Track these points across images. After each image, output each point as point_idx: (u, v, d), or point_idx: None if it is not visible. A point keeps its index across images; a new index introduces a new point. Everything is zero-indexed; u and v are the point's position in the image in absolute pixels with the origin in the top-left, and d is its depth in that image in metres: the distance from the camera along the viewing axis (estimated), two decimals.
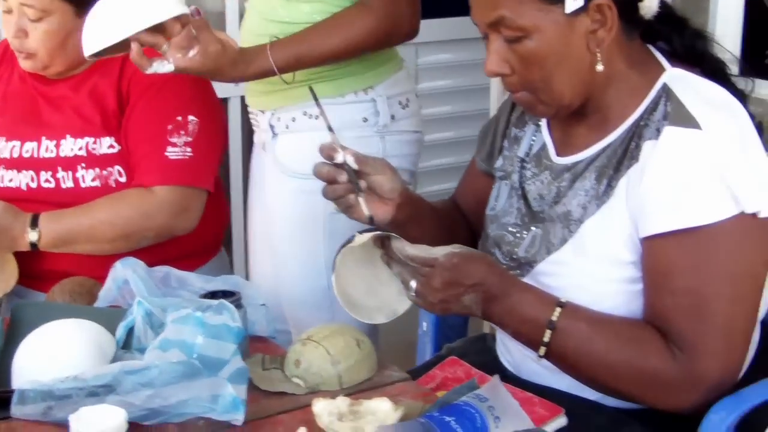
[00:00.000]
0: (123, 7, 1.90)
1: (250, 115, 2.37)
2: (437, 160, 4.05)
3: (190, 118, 2.21)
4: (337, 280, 1.62)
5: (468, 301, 1.59)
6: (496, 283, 1.58)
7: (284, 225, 2.26)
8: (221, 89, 3.43)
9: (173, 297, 1.87)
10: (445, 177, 3.79)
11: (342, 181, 1.70)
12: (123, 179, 2.23)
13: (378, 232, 1.60)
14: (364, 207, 1.69)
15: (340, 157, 1.68)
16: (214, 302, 1.69)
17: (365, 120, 2.18)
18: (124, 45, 1.93)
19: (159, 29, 1.92)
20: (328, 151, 1.70)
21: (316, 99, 1.78)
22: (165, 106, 2.22)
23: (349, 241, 1.60)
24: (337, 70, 2.15)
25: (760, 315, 1.64)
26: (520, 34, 1.57)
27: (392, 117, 2.20)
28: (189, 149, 2.20)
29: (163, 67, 1.95)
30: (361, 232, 1.60)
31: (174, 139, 2.18)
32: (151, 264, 1.98)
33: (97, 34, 1.91)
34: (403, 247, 1.58)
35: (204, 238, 2.39)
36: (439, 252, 1.56)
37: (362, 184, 1.71)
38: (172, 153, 2.19)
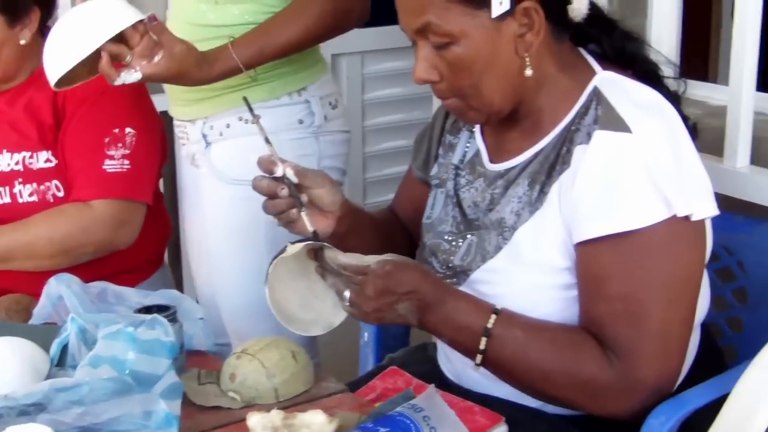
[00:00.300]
0: (78, 27, 1.88)
1: (177, 128, 2.34)
2: (385, 169, 4.04)
3: (128, 130, 2.19)
4: (271, 293, 1.60)
5: (402, 310, 1.57)
6: (430, 291, 1.57)
7: (224, 234, 2.23)
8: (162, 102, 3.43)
9: (109, 313, 1.84)
10: (392, 186, 3.73)
11: (283, 196, 1.67)
12: (61, 194, 2.20)
13: (310, 242, 1.57)
14: (308, 222, 1.66)
15: (279, 171, 1.66)
16: (147, 317, 1.68)
17: (300, 122, 2.17)
18: (90, 69, 1.91)
19: (120, 40, 1.90)
20: (266, 165, 1.67)
21: (251, 110, 1.75)
22: (101, 118, 2.19)
23: (282, 251, 1.57)
24: (270, 73, 2.13)
25: (698, 318, 1.64)
26: (447, 40, 1.55)
27: (325, 117, 2.21)
28: (127, 162, 2.17)
29: (130, 76, 1.92)
30: (293, 243, 1.58)
31: (111, 152, 2.16)
32: (92, 279, 1.95)
33: (58, 60, 1.88)
34: (335, 256, 1.56)
35: (145, 253, 2.37)
36: (372, 260, 1.54)
37: (303, 198, 1.68)
38: (110, 166, 2.17)
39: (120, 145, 2.17)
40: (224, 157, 2.19)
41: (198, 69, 1.99)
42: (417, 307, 1.57)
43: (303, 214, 1.66)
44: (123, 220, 2.19)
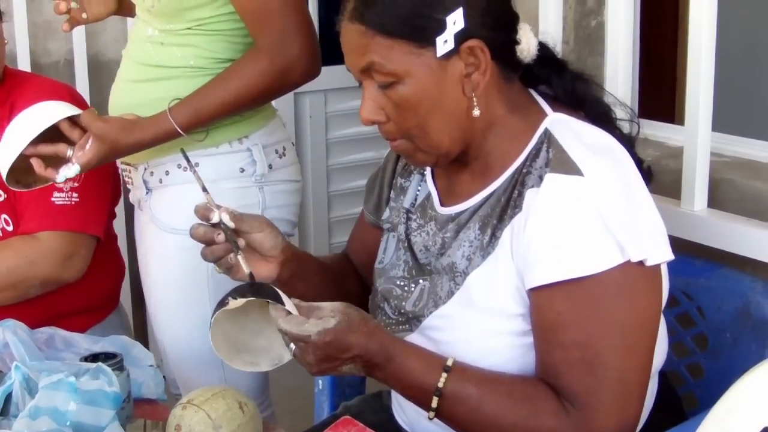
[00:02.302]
0: (14, 129, 1.94)
1: (122, 172, 2.29)
2: (351, 208, 4.03)
3: None
4: (214, 338, 1.56)
5: (348, 370, 1.53)
6: (377, 351, 1.52)
7: (166, 284, 2.17)
8: None
9: (56, 360, 1.81)
10: None
11: (220, 241, 1.63)
12: (10, 228, 2.20)
13: (252, 298, 1.53)
14: (244, 265, 1.63)
15: (216, 217, 1.63)
16: (92, 366, 1.65)
17: (242, 170, 2.11)
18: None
19: (60, 138, 1.94)
20: (203, 212, 1.64)
21: (188, 160, 1.74)
22: None
23: (224, 303, 1.53)
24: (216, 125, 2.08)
25: (656, 365, 1.61)
26: (391, 80, 1.52)
27: (270, 166, 2.14)
28: (75, 195, 2.18)
29: (70, 171, 1.95)
30: (236, 291, 1.54)
31: (60, 185, 2.14)
32: (44, 320, 1.96)
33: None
34: (276, 318, 1.51)
35: (98, 293, 2.36)
36: (312, 329, 1.48)
37: (241, 242, 1.65)
38: (58, 198, 2.18)
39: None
40: (164, 205, 2.14)
41: (125, 135, 1.97)
42: (363, 367, 1.53)
43: (239, 258, 1.63)
44: (70, 252, 2.18)
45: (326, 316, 1.50)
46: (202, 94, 2.01)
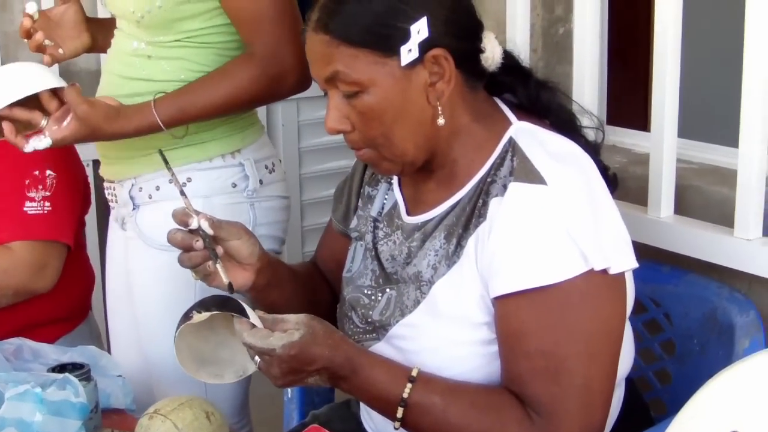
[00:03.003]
0: None
1: (106, 190, 2.23)
2: (324, 217, 4.01)
3: (48, 172, 2.20)
4: (179, 351, 1.55)
5: (313, 381, 1.52)
6: (342, 363, 1.51)
7: (156, 300, 2.12)
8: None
9: (24, 371, 1.81)
10: None
11: (198, 248, 1.62)
12: None
13: (216, 312, 1.52)
14: (223, 275, 1.61)
15: (194, 223, 1.61)
16: (59, 376, 1.64)
17: (234, 185, 2.10)
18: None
19: (36, 106, 1.92)
20: (181, 217, 1.62)
21: (166, 162, 1.72)
22: (22, 161, 2.18)
23: (188, 316, 1.52)
24: (204, 134, 2.07)
25: (622, 372, 1.61)
26: (356, 89, 1.52)
27: (260, 182, 2.13)
28: (48, 204, 2.18)
29: (40, 142, 1.92)
30: (201, 304, 1.53)
31: (32, 194, 2.16)
32: (12, 330, 1.96)
33: None
34: (241, 332, 1.50)
35: (67, 303, 2.36)
36: (277, 342, 1.47)
37: (219, 250, 1.64)
38: (30, 208, 2.17)
39: (40, 187, 2.18)
40: (152, 221, 2.09)
41: (109, 123, 1.93)
42: (328, 378, 1.53)
43: (218, 266, 1.62)
44: (43, 262, 2.18)
45: (291, 329, 1.49)
46: (191, 92, 1.99)
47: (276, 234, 2.20)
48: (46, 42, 2.10)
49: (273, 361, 1.48)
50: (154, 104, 1.97)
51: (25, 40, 2.07)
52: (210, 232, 1.63)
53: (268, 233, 2.15)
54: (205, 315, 1.51)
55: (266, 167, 2.16)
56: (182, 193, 1.66)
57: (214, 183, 2.08)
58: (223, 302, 1.53)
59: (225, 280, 1.61)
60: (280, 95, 2.06)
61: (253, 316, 1.51)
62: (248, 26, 1.99)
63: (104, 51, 2.22)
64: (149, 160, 2.07)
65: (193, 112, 1.98)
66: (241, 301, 1.53)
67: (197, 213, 1.63)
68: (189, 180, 2.04)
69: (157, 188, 2.09)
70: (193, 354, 1.59)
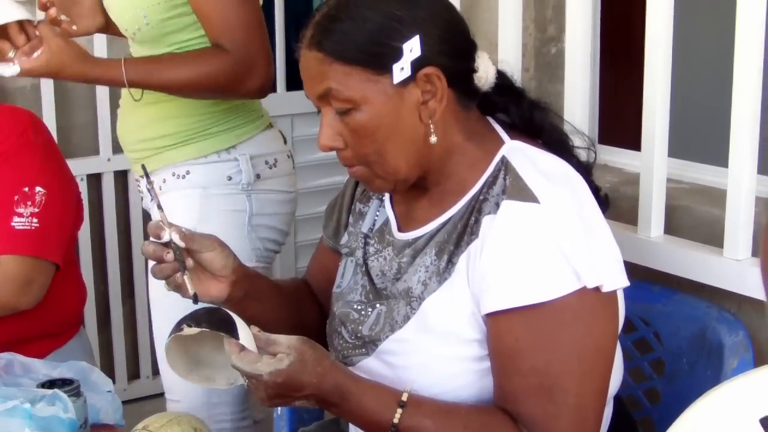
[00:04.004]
0: None
1: (138, 187, 2.43)
2: (316, 234, 4.01)
3: (38, 189, 2.19)
4: (170, 353, 1.55)
5: (301, 404, 1.52)
6: (330, 391, 1.50)
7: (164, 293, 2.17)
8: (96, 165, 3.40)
9: (14, 386, 1.80)
10: None
11: (168, 260, 1.61)
12: None
13: (205, 329, 1.52)
14: (189, 286, 1.61)
15: (166, 236, 1.61)
16: (48, 392, 1.64)
17: (230, 178, 2.20)
18: None
19: (5, 35, 2.00)
20: (155, 230, 1.62)
21: (147, 176, 1.74)
22: (12, 176, 2.18)
23: (180, 328, 1.53)
24: (199, 134, 2.19)
25: (611, 391, 1.61)
26: (349, 106, 1.53)
27: (258, 176, 2.22)
28: (36, 220, 2.17)
29: (8, 69, 2.00)
30: (192, 318, 1.53)
31: (20, 210, 2.15)
32: (3, 345, 1.94)
33: None
34: (229, 354, 1.49)
35: (59, 319, 2.34)
36: (264, 369, 1.46)
37: (189, 262, 1.63)
38: (18, 223, 2.16)
39: (29, 203, 2.17)
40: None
41: (77, 63, 2.03)
42: (317, 403, 1.52)
43: (185, 278, 1.61)
44: (28, 278, 2.16)
45: (281, 353, 1.48)
46: (162, 63, 2.10)
47: (276, 225, 2.28)
48: (62, 17, 2.20)
49: (260, 385, 1.48)
50: (124, 61, 2.07)
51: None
52: (181, 244, 1.62)
53: (267, 224, 2.24)
54: (195, 330, 1.51)
55: (266, 162, 2.24)
56: (159, 206, 1.67)
57: (211, 175, 2.19)
58: (215, 316, 1.53)
59: (191, 290, 1.61)
60: (239, 93, 2.14)
61: (246, 332, 1.50)
62: (220, 30, 2.08)
63: (116, 35, 2.32)
64: (157, 158, 2.22)
65: (157, 80, 2.08)
66: (234, 317, 1.53)
67: (170, 225, 1.63)
68: (188, 173, 2.19)
69: (164, 181, 2.22)
70: (189, 355, 1.58)
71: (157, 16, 2.10)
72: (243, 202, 2.20)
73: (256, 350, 1.50)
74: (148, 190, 1.73)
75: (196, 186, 2.18)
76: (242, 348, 1.48)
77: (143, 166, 1.78)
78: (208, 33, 2.09)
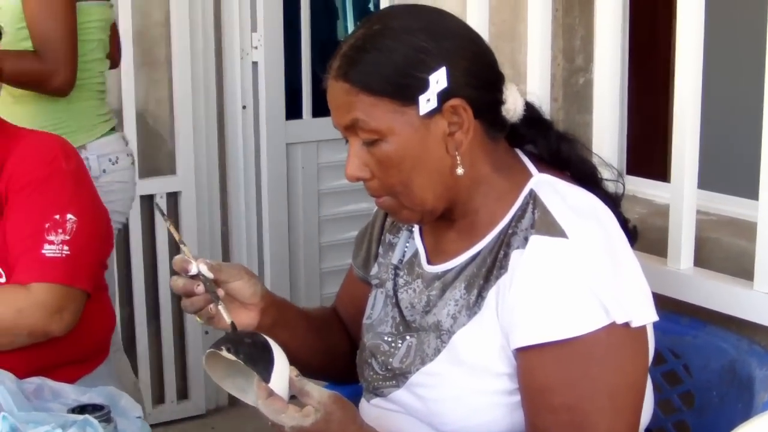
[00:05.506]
0: None
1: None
2: (342, 260, 4.02)
3: (69, 216, 2.18)
4: (209, 364, 1.54)
5: None
6: None
7: None
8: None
9: (44, 411, 1.80)
10: None
11: (199, 292, 1.62)
12: (2, 279, 2.17)
13: (241, 361, 1.51)
14: (225, 315, 1.60)
15: (194, 269, 1.62)
16: (79, 418, 1.63)
17: None
18: None
19: None
20: (181, 264, 1.62)
21: (162, 213, 1.77)
22: (43, 204, 2.18)
23: (219, 347, 1.52)
24: (58, 132, 2.56)
25: (642, 424, 1.60)
26: (375, 137, 1.54)
27: (104, 171, 2.93)
28: (66, 248, 2.16)
29: None
30: (232, 343, 1.53)
31: (51, 237, 2.15)
32: (33, 370, 1.93)
33: None
34: (257, 397, 1.47)
35: (87, 345, 2.33)
36: (288, 422, 1.44)
37: (220, 292, 1.63)
38: (49, 251, 2.15)
39: (60, 231, 2.17)
40: None
41: None
42: None
43: (220, 308, 1.61)
44: (60, 306, 2.15)
45: (310, 407, 1.46)
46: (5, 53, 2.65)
47: (118, 209, 2.97)
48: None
49: None
50: None
51: None
52: (210, 275, 1.63)
53: (112, 209, 2.57)
54: (231, 357, 1.50)
55: (110, 160, 2.96)
56: (181, 241, 1.67)
57: None
58: (256, 341, 1.52)
59: (227, 320, 1.61)
60: (45, 90, 2.84)
61: (282, 364, 1.49)
62: (41, 42, 2.79)
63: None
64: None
65: None
66: (273, 345, 1.51)
67: (196, 258, 1.63)
68: None
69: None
70: (230, 361, 1.58)
71: (12, 27, 2.75)
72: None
73: (287, 387, 1.49)
74: (168, 224, 1.73)
75: None
76: (270, 393, 1.46)
77: (157, 204, 1.82)
78: (31, 41, 2.78)
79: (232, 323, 1.61)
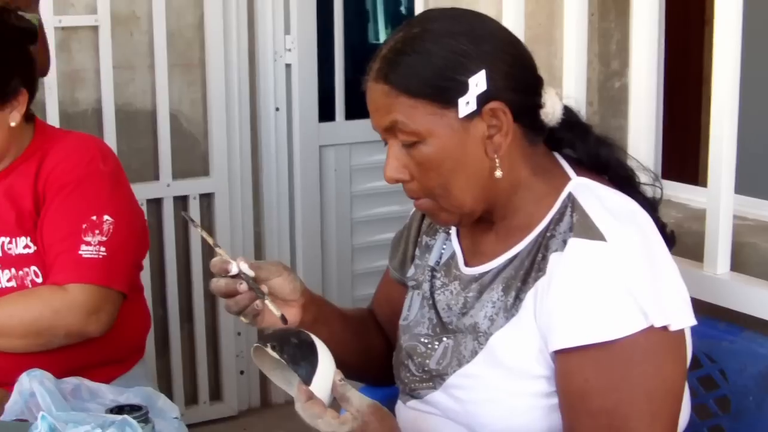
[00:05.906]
0: None
1: None
2: (373, 263, 4.03)
3: (105, 217, 2.20)
4: (257, 356, 1.55)
5: None
6: None
7: None
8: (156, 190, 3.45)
9: (81, 410, 1.81)
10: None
11: (243, 291, 1.62)
12: (39, 280, 2.19)
13: (284, 361, 1.52)
14: (274, 309, 1.61)
15: (234, 268, 1.62)
16: (118, 418, 1.64)
17: None
18: None
19: None
20: (220, 266, 1.63)
21: (191, 220, 1.77)
22: (80, 205, 2.20)
23: (264, 342, 1.53)
24: None
25: (679, 428, 1.60)
26: (414, 139, 1.54)
27: None
28: (103, 249, 2.17)
29: None
30: (277, 340, 1.53)
31: (88, 238, 2.16)
32: (68, 370, 1.94)
33: None
34: (296, 399, 1.48)
35: (123, 345, 2.35)
36: (323, 428, 1.45)
37: (263, 287, 1.64)
38: (86, 252, 2.16)
39: (97, 231, 2.18)
40: None
41: None
42: None
43: (267, 303, 1.62)
44: (96, 306, 2.16)
45: (350, 413, 1.47)
46: None
47: None
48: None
49: None
50: None
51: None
52: (251, 273, 1.63)
53: None
54: (276, 356, 1.51)
55: None
56: (216, 245, 1.68)
57: None
58: (301, 338, 1.53)
59: (277, 312, 1.61)
60: None
61: (326, 372, 1.50)
62: None
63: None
64: None
65: None
66: (318, 343, 1.52)
67: (234, 258, 1.64)
68: None
69: None
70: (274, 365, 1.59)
71: None
72: None
73: (330, 391, 1.50)
74: (198, 228, 1.73)
75: None
76: (310, 396, 1.47)
77: (184, 213, 1.81)
78: None
79: (282, 316, 1.61)
